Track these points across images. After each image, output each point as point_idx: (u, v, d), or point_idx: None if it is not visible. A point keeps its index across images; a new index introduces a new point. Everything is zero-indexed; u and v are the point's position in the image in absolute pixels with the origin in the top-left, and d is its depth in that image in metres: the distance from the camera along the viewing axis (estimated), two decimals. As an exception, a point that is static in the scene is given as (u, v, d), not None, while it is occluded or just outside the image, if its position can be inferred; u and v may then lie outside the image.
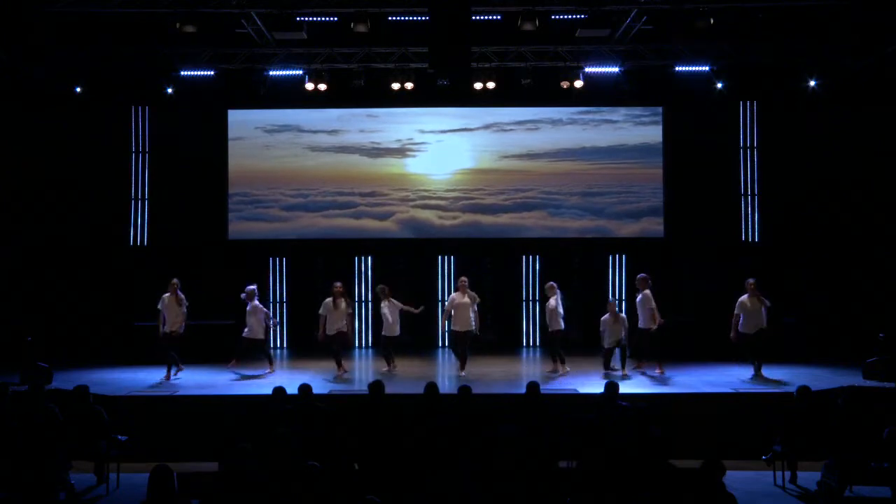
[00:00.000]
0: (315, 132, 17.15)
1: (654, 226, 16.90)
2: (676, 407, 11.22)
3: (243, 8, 13.29)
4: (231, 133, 16.95)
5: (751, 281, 13.08)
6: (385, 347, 13.78)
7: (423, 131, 17.06)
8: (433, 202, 17.05)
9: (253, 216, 17.02)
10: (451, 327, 13.46)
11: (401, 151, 17.12)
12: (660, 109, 16.79)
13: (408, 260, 17.07)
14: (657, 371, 13.11)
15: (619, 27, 14.06)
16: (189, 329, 13.52)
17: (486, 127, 17.08)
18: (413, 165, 17.11)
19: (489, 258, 17.11)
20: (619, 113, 16.88)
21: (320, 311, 13.34)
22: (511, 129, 17.08)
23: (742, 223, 16.92)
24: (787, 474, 9.82)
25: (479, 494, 7.01)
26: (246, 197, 17.04)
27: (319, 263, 17.03)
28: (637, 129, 16.96)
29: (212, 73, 15.34)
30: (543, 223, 17.02)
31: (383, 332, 13.73)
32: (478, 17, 13.28)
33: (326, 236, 16.98)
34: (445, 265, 17.23)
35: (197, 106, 16.13)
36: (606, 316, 13.45)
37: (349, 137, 17.11)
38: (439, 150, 17.09)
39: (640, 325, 13.27)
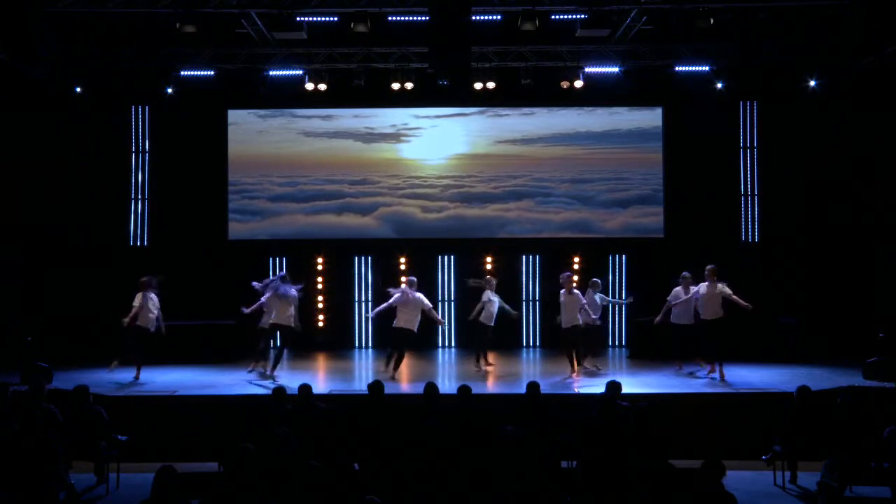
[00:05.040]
0: (309, 117, 17.10)
1: (640, 217, 16.92)
2: (676, 407, 11.22)
3: (243, 8, 13.31)
4: (228, 118, 16.93)
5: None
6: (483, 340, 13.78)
7: (417, 116, 17.03)
8: (422, 191, 16.99)
9: (239, 207, 16.96)
10: (405, 326, 13.08)
11: (395, 136, 17.09)
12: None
13: (408, 259, 17.05)
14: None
15: (619, 27, 14.08)
16: (190, 329, 13.58)
17: (482, 112, 17.06)
18: (407, 150, 17.08)
19: (490, 258, 17.08)
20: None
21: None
22: (507, 115, 17.06)
23: (742, 223, 16.93)
24: (787, 474, 9.81)
25: (479, 495, 7.01)
26: (234, 186, 17.00)
27: (319, 263, 17.02)
28: (632, 113, 16.97)
29: (212, 73, 15.36)
30: (528, 215, 17.00)
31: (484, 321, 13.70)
32: (478, 17, 13.27)
33: (305, 234, 16.93)
34: (445, 265, 17.24)
35: (197, 106, 16.12)
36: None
37: (344, 123, 17.07)
38: (434, 135, 17.07)
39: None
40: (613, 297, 16.41)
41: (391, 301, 13.14)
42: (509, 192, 17.07)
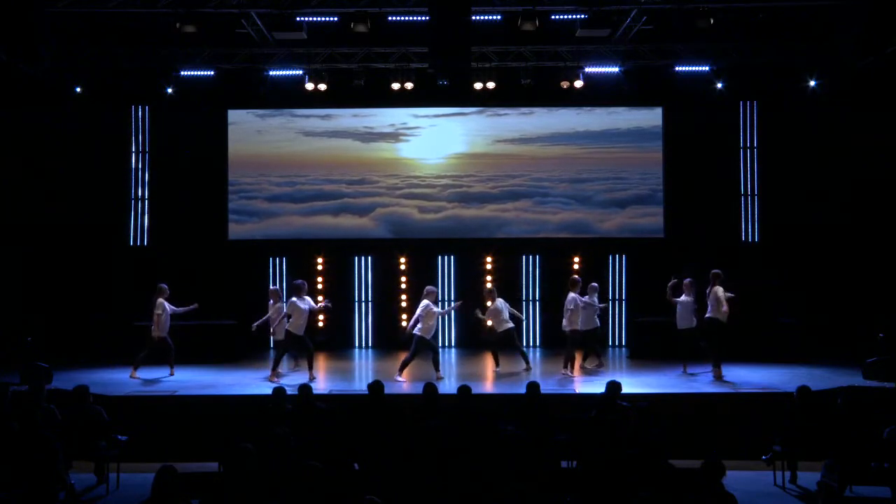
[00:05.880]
0: (308, 117, 17.07)
1: (638, 217, 16.91)
2: (676, 407, 11.22)
3: (243, 8, 13.30)
4: (228, 118, 16.91)
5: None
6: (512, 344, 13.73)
7: (416, 115, 17.00)
8: (420, 191, 16.96)
9: (238, 207, 16.92)
10: (426, 335, 13.04)
11: (394, 136, 17.06)
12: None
13: (407, 259, 17.04)
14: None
15: (619, 27, 14.07)
16: (190, 329, 13.62)
17: (481, 111, 17.04)
18: (406, 150, 17.07)
19: (489, 258, 17.06)
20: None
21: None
22: (506, 114, 17.03)
23: (742, 223, 16.93)
24: (787, 474, 9.82)
25: (479, 495, 7.01)
26: (234, 186, 16.97)
27: (319, 263, 17.01)
28: (632, 113, 16.95)
29: (212, 73, 15.35)
30: (525, 215, 16.96)
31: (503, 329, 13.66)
32: (478, 17, 13.26)
33: (305, 234, 16.89)
34: (445, 265, 17.23)
35: (197, 106, 16.11)
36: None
37: (343, 122, 17.06)
38: (433, 135, 17.06)
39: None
40: (613, 297, 16.44)
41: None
42: (507, 192, 17.05)
